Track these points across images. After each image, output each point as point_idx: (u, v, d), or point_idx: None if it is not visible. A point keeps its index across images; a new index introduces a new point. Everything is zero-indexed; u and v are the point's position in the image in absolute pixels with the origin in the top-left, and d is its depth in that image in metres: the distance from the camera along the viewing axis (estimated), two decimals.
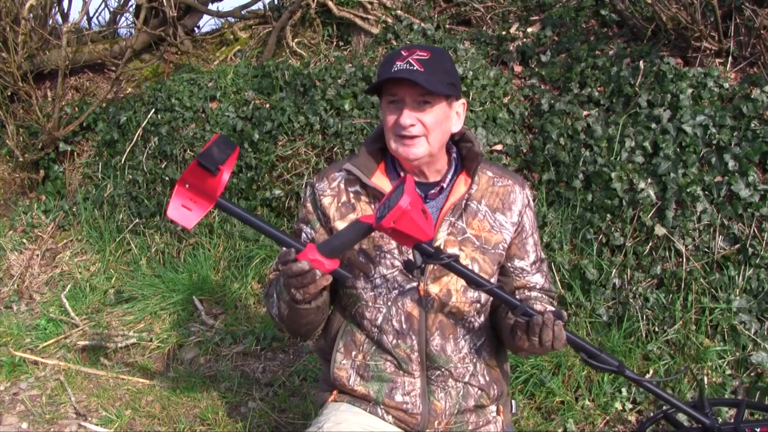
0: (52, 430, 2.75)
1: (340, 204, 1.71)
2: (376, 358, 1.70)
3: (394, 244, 1.67)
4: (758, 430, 1.53)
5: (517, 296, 1.72)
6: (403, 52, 1.59)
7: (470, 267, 1.66)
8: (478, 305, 1.71)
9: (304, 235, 1.75)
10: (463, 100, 1.69)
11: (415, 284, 1.66)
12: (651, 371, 2.60)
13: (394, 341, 1.68)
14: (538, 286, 1.76)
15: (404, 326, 1.67)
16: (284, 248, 1.48)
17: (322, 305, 1.61)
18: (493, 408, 1.77)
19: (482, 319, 1.73)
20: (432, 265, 1.65)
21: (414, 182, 1.40)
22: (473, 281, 1.53)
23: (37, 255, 4.24)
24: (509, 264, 1.75)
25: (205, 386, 2.96)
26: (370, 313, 1.70)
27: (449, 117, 1.64)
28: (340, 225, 1.69)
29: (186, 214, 1.39)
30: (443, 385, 1.69)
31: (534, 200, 1.83)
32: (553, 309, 1.54)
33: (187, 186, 1.38)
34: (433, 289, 1.66)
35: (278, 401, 2.83)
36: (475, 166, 1.69)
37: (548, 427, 2.52)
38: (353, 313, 1.74)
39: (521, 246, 1.75)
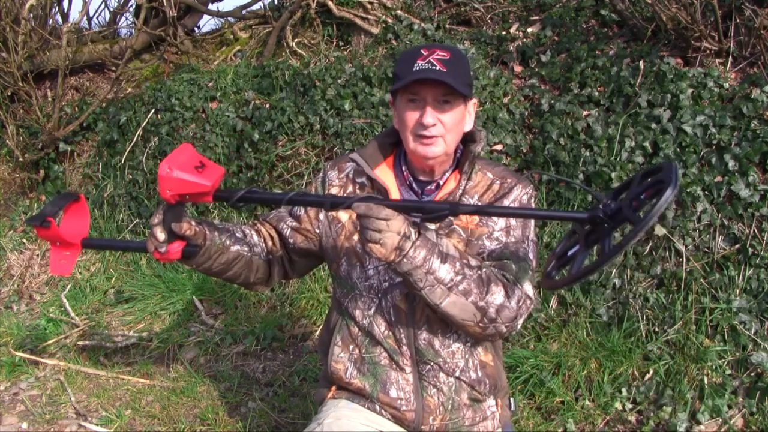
0: (52, 430, 2.75)
1: (345, 194, 1.73)
2: (371, 349, 1.71)
3: None
4: (643, 195, 1.28)
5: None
6: (423, 51, 1.59)
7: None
8: None
9: (296, 209, 1.78)
10: (474, 99, 1.70)
11: (401, 278, 1.66)
12: (651, 371, 2.60)
13: (386, 332, 1.69)
14: (485, 254, 1.64)
15: (393, 318, 1.68)
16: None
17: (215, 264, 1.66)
18: (491, 402, 1.77)
19: None
20: None
21: (189, 148, 1.46)
22: (272, 200, 1.58)
23: (37, 255, 4.24)
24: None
25: (205, 386, 2.96)
26: (363, 303, 1.71)
27: (464, 117, 1.66)
28: (342, 215, 1.71)
29: (63, 265, 1.62)
30: (434, 380, 1.69)
31: (534, 200, 1.81)
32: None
33: (57, 244, 1.60)
34: None
35: (278, 401, 2.83)
36: (466, 164, 1.69)
37: (548, 427, 2.52)
38: (346, 305, 1.75)
39: (490, 229, 1.66)
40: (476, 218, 1.69)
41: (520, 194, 1.69)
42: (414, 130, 1.61)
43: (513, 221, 1.68)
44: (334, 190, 1.74)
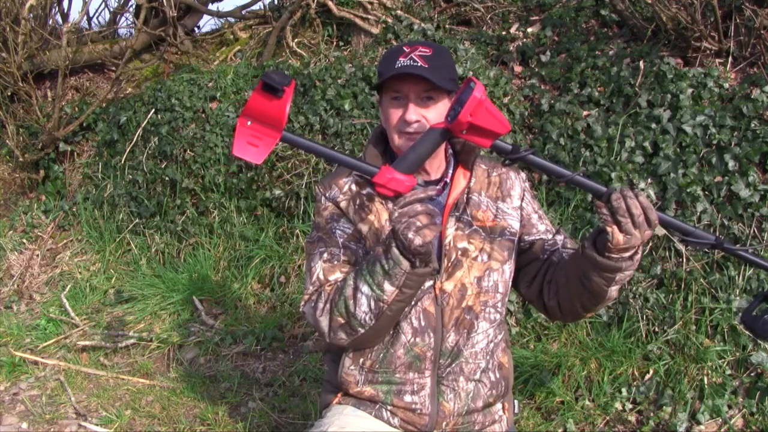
0: (52, 430, 2.75)
1: (357, 207, 1.70)
2: (386, 364, 1.68)
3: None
4: None
5: (553, 258, 1.69)
6: (405, 49, 1.60)
7: (480, 258, 1.67)
8: (498, 296, 1.69)
9: (339, 231, 1.69)
10: None
11: (431, 282, 1.65)
12: (651, 371, 2.60)
13: (412, 339, 1.66)
14: (568, 245, 1.73)
15: (423, 323, 1.66)
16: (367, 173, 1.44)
17: None
18: (499, 406, 1.76)
19: (497, 312, 1.71)
20: (447, 262, 1.65)
21: (482, 84, 1.38)
22: (554, 172, 1.47)
23: (37, 255, 4.24)
24: (523, 244, 1.74)
25: (205, 386, 2.96)
26: None
27: None
28: (362, 227, 1.68)
29: (253, 150, 1.35)
30: (453, 385, 1.68)
31: (534, 198, 1.83)
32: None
33: (249, 122, 1.35)
34: (448, 286, 1.65)
35: (278, 401, 2.83)
36: (472, 158, 1.70)
37: (548, 427, 2.52)
38: None
39: (528, 224, 1.76)
40: (491, 214, 1.70)
41: (522, 184, 1.78)
42: (398, 126, 1.62)
43: (530, 206, 1.77)
44: (342, 204, 1.71)
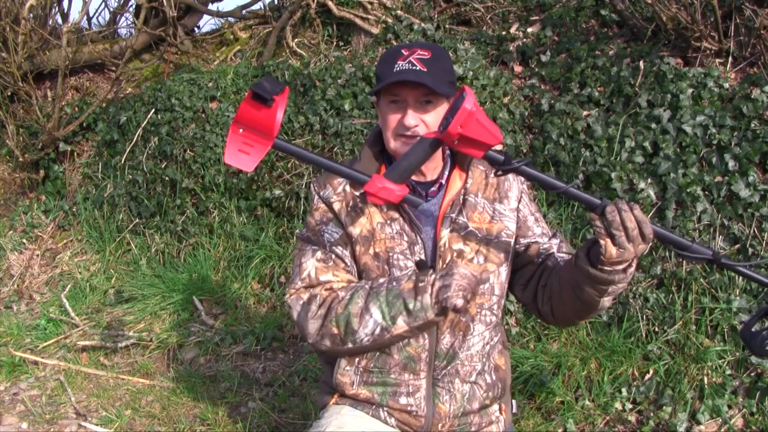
0: (52, 430, 2.75)
1: (349, 209, 1.70)
2: (380, 364, 1.68)
3: (406, 244, 1.65)
4: None
5: (548, 263, 1.69)
6: (403, 51, 1.59)
7: (476, 260, 1.66)
8: (494, 298, 1.69)
9: (327, 235, 1.70)
10: None
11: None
12: (651, 371, 2.60)
13: (406, 340, 1.66)
14: (564, 249, 1.73)
15: None
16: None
17: None
18: (496, 407, 1.76)
19: (493, 314, 1.71)
20: (441, 264, 1.64)
21: (473, 95, 1.38)
22: (547, 184, 1.47)
23: (37, 255, 4.24)
24: (519, 246, 1.74)
25: (205, 386, 2.96)
26: None
27: None
28: (353, 230, 1.68)
29: (244, 158, 1.37)
30: (449, 386, 1.67)
31: (534, 199, 1.83)
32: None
33: (241, 130, 1.35)
34: None
35: (278, 401, 2.83)
36: (468, 160, 1.70)
37: (548, 427, 2.52)
38: None
39: (524, 226, 1.75)
40: (487, 216, 1.70)
41: (521, 186, 1.77)
42: (396, 130, 1.62)
43: (527, 209, 1.76)
44: (335, 206, 1.70)
